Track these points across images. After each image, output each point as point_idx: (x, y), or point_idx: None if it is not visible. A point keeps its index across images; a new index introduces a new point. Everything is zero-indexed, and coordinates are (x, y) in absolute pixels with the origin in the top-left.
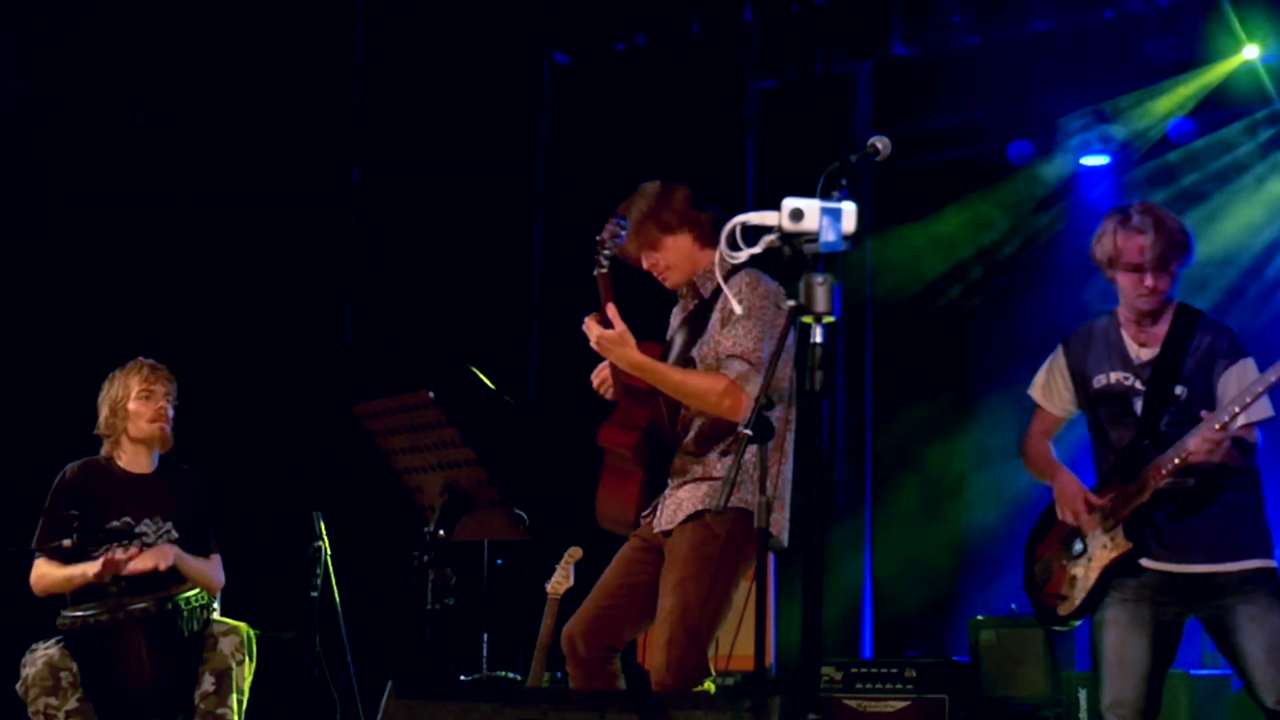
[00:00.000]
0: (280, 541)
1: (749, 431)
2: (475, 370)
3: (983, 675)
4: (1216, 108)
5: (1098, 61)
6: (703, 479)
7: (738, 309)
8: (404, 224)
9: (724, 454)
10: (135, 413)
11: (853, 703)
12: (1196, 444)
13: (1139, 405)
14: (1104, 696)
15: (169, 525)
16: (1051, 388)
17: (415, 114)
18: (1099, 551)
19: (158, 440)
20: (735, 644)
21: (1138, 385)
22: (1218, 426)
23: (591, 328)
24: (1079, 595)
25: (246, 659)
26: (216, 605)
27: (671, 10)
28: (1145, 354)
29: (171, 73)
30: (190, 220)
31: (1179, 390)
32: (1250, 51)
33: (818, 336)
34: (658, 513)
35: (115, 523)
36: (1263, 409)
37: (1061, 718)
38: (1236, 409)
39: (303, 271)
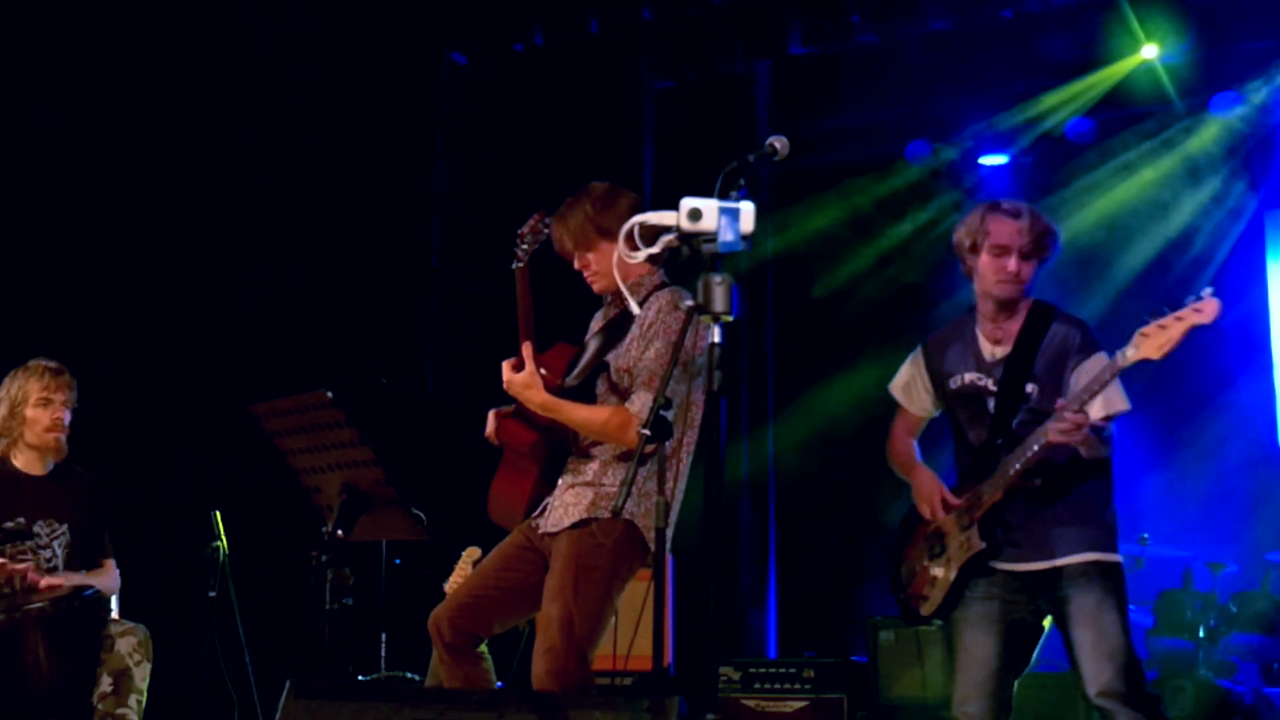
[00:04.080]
0: (178, 541)
1: (647, 431)
2: (382, 379)
3: (881, 676)
4: (1115, 107)
5: (996, 61)
6: (591, 485)
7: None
8: (301, 222)
9: (618, 459)
10: (32, 419)
11: (751, 703)
12: (1055, 428)
13: (992, 404)
14: (954, 694)
15: (64, 528)
16: (912, 388)
17: (313, 113)
18: (956, 551)
19: (51, 450)
20: (634, 644)
21: (990, 385)
22: (1076, 408)
23: (505, 370)
24: (939, 595)
25: (144, 659)
26: (114, 606)
27: (569, 10)
28: (999, 351)
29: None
30: (88, 217)
31: (1030, 388)
32: (1149, 51)
33: (716, 336)
34: (546, 514)
35: (9, 523)
36: (1119, 401)
37: None
38: (1088, 395)
39: (198, 269)
